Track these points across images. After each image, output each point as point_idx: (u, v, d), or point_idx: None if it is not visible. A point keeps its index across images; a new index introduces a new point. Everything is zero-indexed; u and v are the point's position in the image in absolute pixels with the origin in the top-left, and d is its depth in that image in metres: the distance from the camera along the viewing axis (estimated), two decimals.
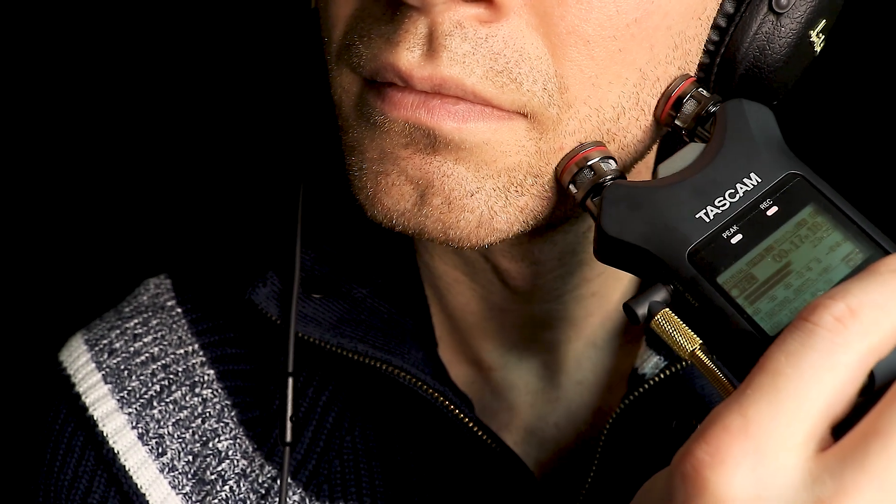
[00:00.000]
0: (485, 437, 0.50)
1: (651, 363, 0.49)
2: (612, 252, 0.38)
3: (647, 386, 0.49)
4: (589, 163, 0.40)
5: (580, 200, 0.40)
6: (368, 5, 0.40)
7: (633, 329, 0.54)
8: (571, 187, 0.40)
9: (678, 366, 0.48)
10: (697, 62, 0.43)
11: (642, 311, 0.35)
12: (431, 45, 0.37)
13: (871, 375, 0.30)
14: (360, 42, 0.40)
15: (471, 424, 0.50)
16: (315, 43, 0.46)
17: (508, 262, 0.50)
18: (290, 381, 0.50)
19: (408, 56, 0.38)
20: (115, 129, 1.00)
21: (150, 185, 1.00)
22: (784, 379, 0.29)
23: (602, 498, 0.50)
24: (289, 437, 0.50)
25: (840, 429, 0.29)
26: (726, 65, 0.42)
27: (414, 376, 0.49)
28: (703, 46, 0.42)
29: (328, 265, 0.53)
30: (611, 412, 0.53)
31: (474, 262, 0.51)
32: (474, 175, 0.40)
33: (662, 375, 0.48)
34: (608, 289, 0.53)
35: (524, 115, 0.39)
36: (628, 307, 0.35)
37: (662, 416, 0.50)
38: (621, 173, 0.40)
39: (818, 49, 0.44)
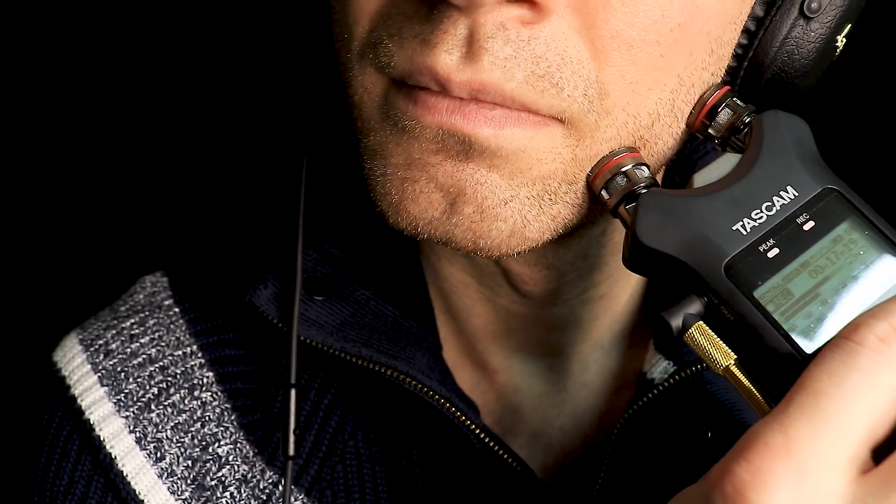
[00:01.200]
0: (491, 444, 0.49)
1: (660, 368, 0.48)
2: (645, 261, 0.37)
3: (656, 391, 0.48)
4: (623, 169, 0.39)
5: (612, 207, 0.40)
6: (398, 1, 0.38)
7: (640, 332, 0.54)
8: (603, 193, 0.40)
9: (687, 371, 0.47)
10: (728, 63, 0.42)
11: (676, 323, 0.35)
12: (471, 48, 0.36)
13: None
14: (389, 41, 0.38)
15: (477, 430, 0.49)
16: (322, 40, 0.45)
17: (521, 267, 0.49)
18: (293, 393, 0.49)
19: (446, 59, 0.36)
20: (112, 124, 0.99)
21: (146, 179, 0.99)
22: (827, 399, 0.28)
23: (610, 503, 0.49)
24: (292, 451, 0.49)
25: (880, 452, 0.29)
26: (753, 69, 0.42)
27: (419, 382, 0.48)
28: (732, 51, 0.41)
29: (330, 266, 0.52)
30: (617, 416, 0.53)
31: (484, 265, 0.50)
32: (508, 183, 0.38)
33: (672, 381, 0.47)
34: (616, 291, 0.52)
35: (561, 121, 0.38)
36: (662, 319, 0.35)
37: (671, 421, 0.49)
38: (654, 180, 0.40)
39: (838, 52, 0.43)
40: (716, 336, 0.34)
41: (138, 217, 0.99)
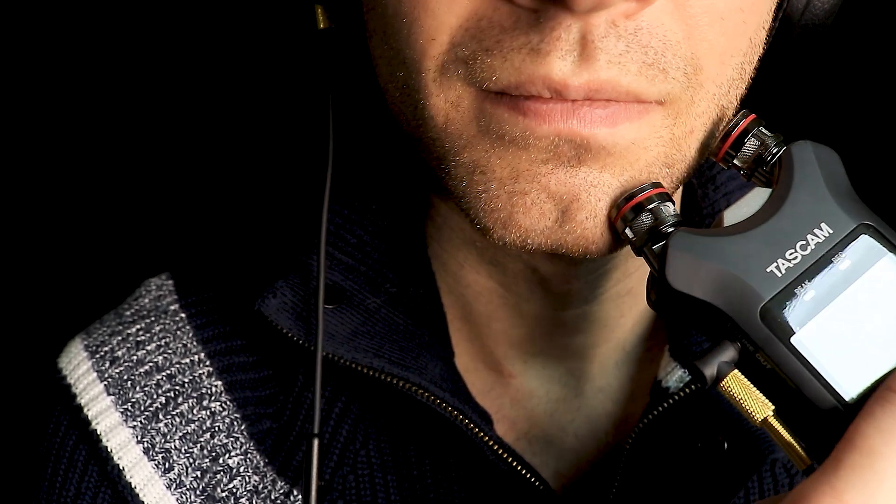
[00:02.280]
0: (504, 454, 0.48)
1: (675, 376, 0.48)
2: (675, 305, 0.36)
3: (671, 401, 0.47)
4: (649, 206, 0.38)
5: (637, 247, 0.38)
6: (487, 12, 0.36)
7: (659, 335, 0.53)
8: (627, 232, 0.38)
9: None
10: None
11: (711, 372, 0.33)
12: (585, 50, 0.35)
13: None
14: (485, 55, 0.37)
15: (490, 442, 0.48)
16: (334, 52, 0.44)
17: (549, 265, 0.48)
18: (316, 443, 0.46)
19: (560, 65, 0.35)
20: (118, 125, 0.99)
21: (151, 180, 0.98)
22: (880, 459, 0.27)
23: None
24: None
25: None
26: (785, 21, 0.42)
27: (431, 393, 0.47)
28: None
29: (340, 273, 0.51)
30: (632, 423, 0.52)
31: (512, 270, 0.49)
32: (619, 180, 0.38)
33: (687, 391, 0.46)
34: (642, 287, 0.51)
35: (661, 104, 0.37)
36: (695, 368, 0.33)
37: (687, 431, 0.48)
38: (680, 218, 0.38)
39: None
40: (752, 386, 0.33)
41: (143, 218, 0.99)
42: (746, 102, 0.42)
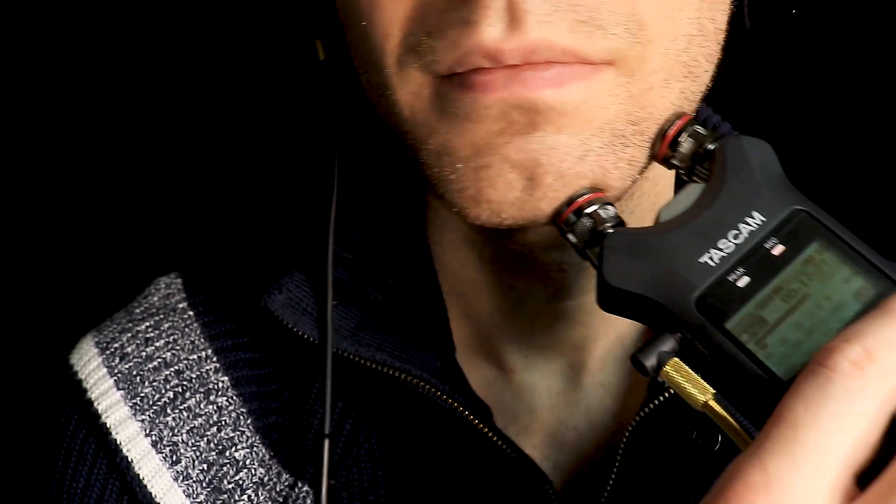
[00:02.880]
0: (503, 446, 0.49)
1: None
2: (617, 302, 0.37)
3: (667, 394, 0.48)
4: (588, 210, 0.39)
5: (580, 249, 0.39)
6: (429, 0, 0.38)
7: None
8: (570, 236, 0.39)
9: None
10: None
11: (651, 362, 0.34)
12: (513, 15, 0.36)
13: (895, 417, 0.28)
14: (428, 39, 0.38)
15: (490, 434, 0.49)
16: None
17: (559, 255, 0.48)
18: (327, 443, 0.48)
19: (491, 32, 0.36)
20: (129, 126, 1.00)
21: (161, 180, 1.00)
22: (804, 430, 0.27)
23: None
24: (324, 502, 0.48)
25: (866, 476, 0.28)
26: None
27: (432, 385, 0.48)
28: None
29: (344, 269, 0.52)
30: (630, 417, 0.53)
31: (511, 264, 0.50)
32: (579, 139, 0.38)
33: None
34: None
35: (611, 64, 0.38)
36: (636, 359, 0.34)
37: (683, 424, 0.49)
38: (621, 219, 0.39)
39: None
40: (692, 372, 0.34)
41: (153, 219, 1.00)
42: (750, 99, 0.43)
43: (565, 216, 0.39)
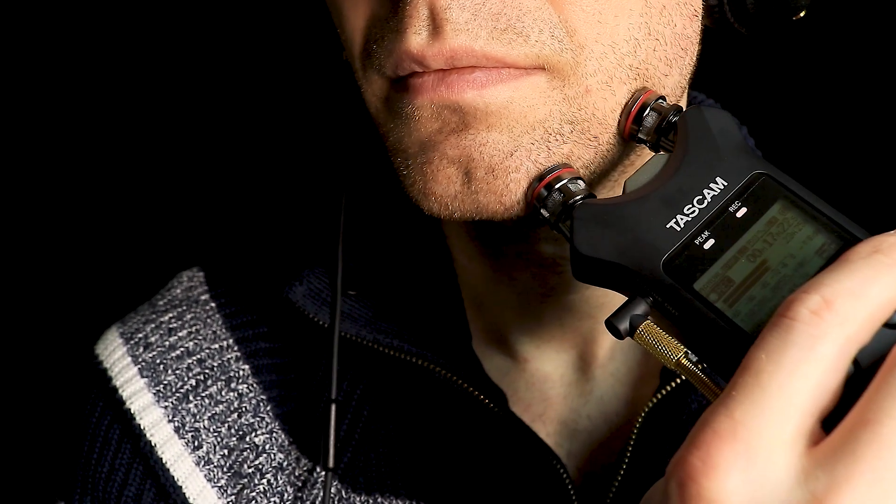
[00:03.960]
0: (518, 431, 0.50)
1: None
2: (590, 271, 0.38)
3: (679, 381, 0.48)
4: (558, 185, 0.40)
5: (552, 223, 0.41)
6: (376, 10, 0.42)
7: None
8: (543, 212, 0.41)
9: None
10: None
11: (624, 325, 0.35)
12: (435, 23, 0.39)
13: (857, 363, 0.29)
14: (376, 45, 0.42)
15: (505, 418, 0.50)
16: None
17: (553, 248, 0.50)
18: (334, 408, 0.50)
19: (416, 39, 0.39)
20: (157, 121, 1.02)
21: (184, 177, 1.01)
22: (767, 376, 0.28)
23: (633, 492, 0.50)
24: (331, 463, 0.50)
25: (830, 421, 0.29)
26: None
27: (448, 370, 0.49)
28: None
29: (362, 260, 0.53)
30: (642, 404, 0.53)
31: (511, 257, 0.51)
32: (509, 136, 0.41)
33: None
34: None
35: (542, 69, 0.40)
36: (610, 323, 0.35)
37: (695, 411, 0.49)
38: (590, 193, 0.41)
39: None
40: (664, 334, 0.34)
41: (177, 216, 1.01)
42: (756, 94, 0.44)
43: (537, 191, 0.41)
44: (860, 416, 0.28)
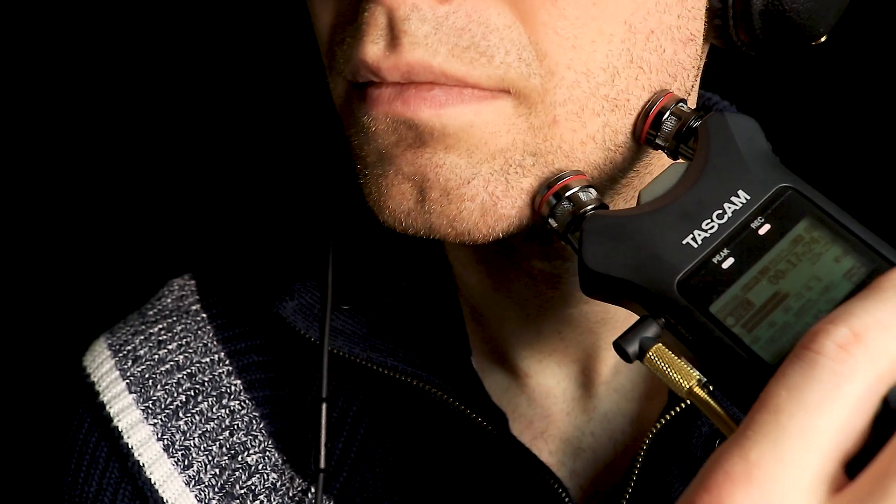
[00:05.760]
0: (517, 452, 0.48)
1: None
2: (599, 287, 0.36)
3: (688, 402, 0.47)
4: (567, 193, 0.38)
5: (560, 234, 0.38)
6: (342, 9, 0.39)
7: None
8: (551, 221, 0.38)
9: None
10: (704, 4, 0.39)
11: (633, 348, 0.32)
12: (393, 34, 0.36)
13: (887, 403, 0.27)
14: (337, 47, 0.39)
15: (504, 440, 0.48)
16: None
17: (542, 263, 0.48)
18: (325, 407, 0.48)
19: (373, 49, 0.36)
20: (149, 131, 1.01)
21: (177, 183, 1.00)
22: (787, 416, 0.26)
23: None
24: (322, 464, 0.48)
25: (856, 464, 0.26)
26: (744, 3, 0.39)
27: (444, 392, 0.48)
28: None
29: (356, 274, 0.51)
30: (649, 422, 0.52)
31: (508, 270, 0.49)
32: (467, 161, 0.38)
33: (708, 388, 0.46)
34: None
35: (508, 92, 0.37)
36: (618, 345, 0.33)
37: (706, 435, 0.48)
38: (602, 202, 0.38)
39: None
40: (676, 358, 0.32)
41: (168, 219, 1.00)
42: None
43: (546, 199, 0.38)
44: (888, 463, 0.25)
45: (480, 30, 0.36)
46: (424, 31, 0.36)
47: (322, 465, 0.48)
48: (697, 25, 0.40)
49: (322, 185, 0.52)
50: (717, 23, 0.40)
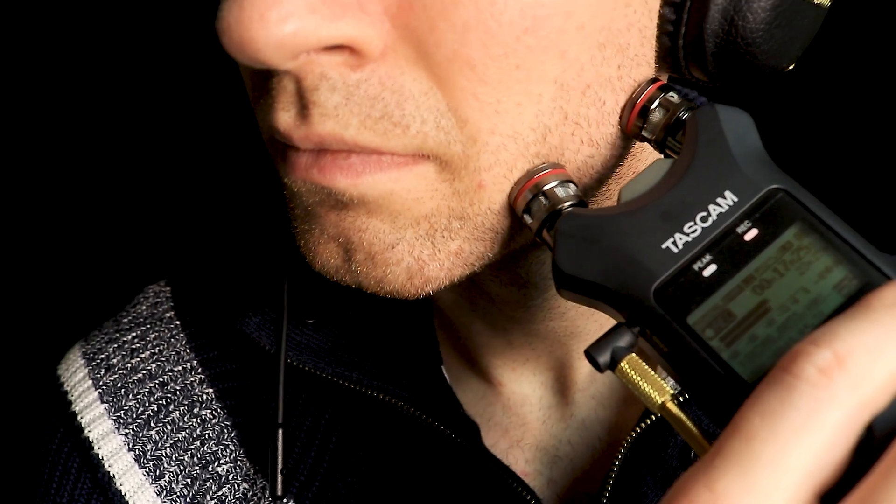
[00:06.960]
0: (490, 464, 0.48)
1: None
2: (573, 289, 0.33)
3: None
4: (543, 189, 0.35)
5: (535, 231, 0.36)
6: (258, 70, 0.36)
7: None
8: (526, 217, 0.35)
9: None
10: (652, 51, 0.37)
11: (604, 358, 0.30)
12: (302, 103, 0.33)
13: (870, 430, 0.25)
14: (255, 104, 0.37)
15: (475, 452, 0.47)
16: None
17: (498, 288, 0.46)
18: (281, 433, 0.47)
19: (284, 116, 0.34)
20: (120, 132, 1.00)
21: (155, 189, 1.00)
22: (759, 444, 0.24)
23: None
24: (280, 491, 0.47)
25: (833, 495, 0.24)
26: (696, 45, 0.36)
27: (411, 405, 0.47)
28: (654, 31, 0.36)
29: (321, 287, 0.51)
30: (626, 429, 0.51)
31: (469, 289, 0.48)
32: (391, 226, 0.36)
33: (682, 398, 0.45)
34: None
35: (428, 158, 0.35)
36: (589, 354, 0.30)
37: (682, 443, 0.47)
38: (581, 199, 0.35)
39: (823, 5, 0.37)
40: (649, 370, 0.30)
41: (145, 226, 1.00)
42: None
43: (522, 193, 0.35)
44: (867, 495, 0.23)
45: (395, 98, 0.33)
46: (335, 101, 0.33)
47: (280, 492, 0.47)
48: (642, 71, 0.37)
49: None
50: (670, 61, 0.38)
